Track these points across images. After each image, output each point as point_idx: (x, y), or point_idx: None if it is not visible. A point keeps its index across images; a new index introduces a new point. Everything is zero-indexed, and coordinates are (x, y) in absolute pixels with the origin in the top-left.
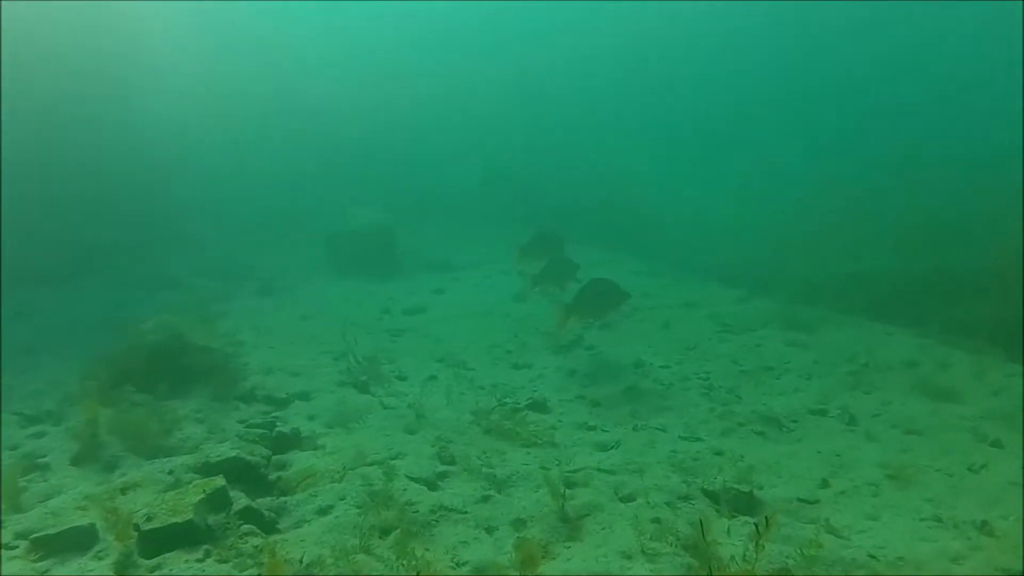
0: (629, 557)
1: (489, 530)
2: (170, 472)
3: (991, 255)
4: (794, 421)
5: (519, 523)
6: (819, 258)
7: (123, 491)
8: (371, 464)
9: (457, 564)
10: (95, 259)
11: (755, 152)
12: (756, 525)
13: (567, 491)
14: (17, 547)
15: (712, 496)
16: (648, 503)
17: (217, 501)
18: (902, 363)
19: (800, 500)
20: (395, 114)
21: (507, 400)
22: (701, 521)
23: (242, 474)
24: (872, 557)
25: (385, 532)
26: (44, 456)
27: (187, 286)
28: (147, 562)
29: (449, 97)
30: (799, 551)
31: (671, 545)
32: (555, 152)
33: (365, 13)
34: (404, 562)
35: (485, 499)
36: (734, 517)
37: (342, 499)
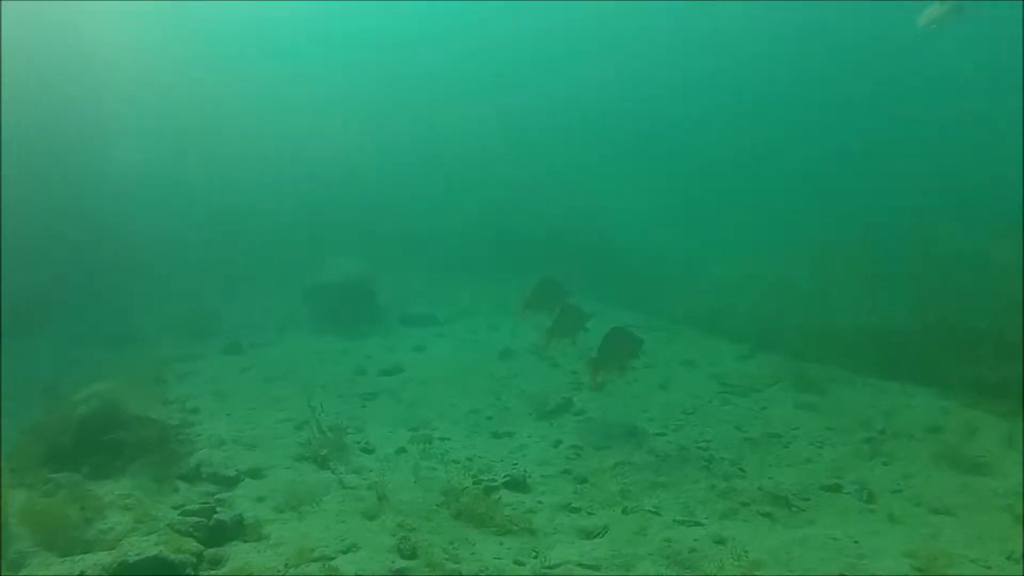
0: None
1: None
2: (80, 575)
3: (1017, 308)
4: (805, 499)
5: None
6: (827, 310)
7: None
8: (317, 559)
9: None
10: (52, 311)
11: (754, 194)
12: None
13: None
14: None
15: None
16: None
17: None
18: (923, 429)
19: None
20: (380, 157)
21: (482, 477)
22: None
23: None
24: None
25: None
26: None
27: (151, 342)
28: None
29: (438, 139)
30: None
31: None
32: (545, 196)
33: (346, 55)
34: None
35: None
36: None
37: None
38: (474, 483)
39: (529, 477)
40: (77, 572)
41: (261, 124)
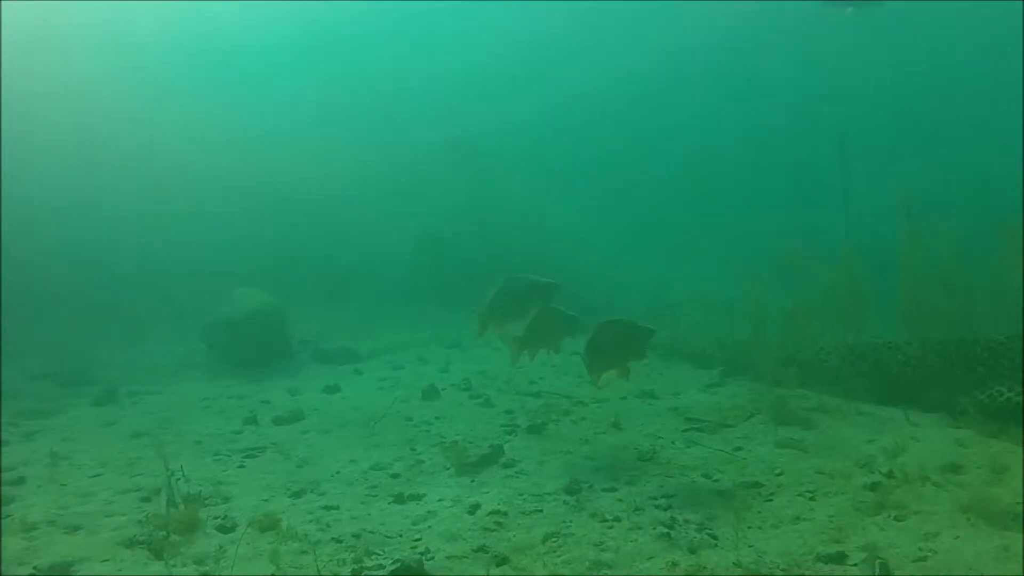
0: None
1: None
2: None
3: None
4: None
5: None
6: (809, 329)
7: None
8: None
9: None
10: None
11: (725, 211)
12: None
13: None
14: None
15: None
16: None
17: None
18: (939, 468)
19: None
20: (316, 186)
21: (366, 563)
22: None
23: None
24: None
25: None
26: None
27: (12, 395)
28: None
29: (372, 165)
30: None
31: None
32: (494, 219)
33: (282, 84)
34: None
35: None
36: None
37: None
38: (352, 573)
39: (431, 559)
40: None
41: (189, 155)
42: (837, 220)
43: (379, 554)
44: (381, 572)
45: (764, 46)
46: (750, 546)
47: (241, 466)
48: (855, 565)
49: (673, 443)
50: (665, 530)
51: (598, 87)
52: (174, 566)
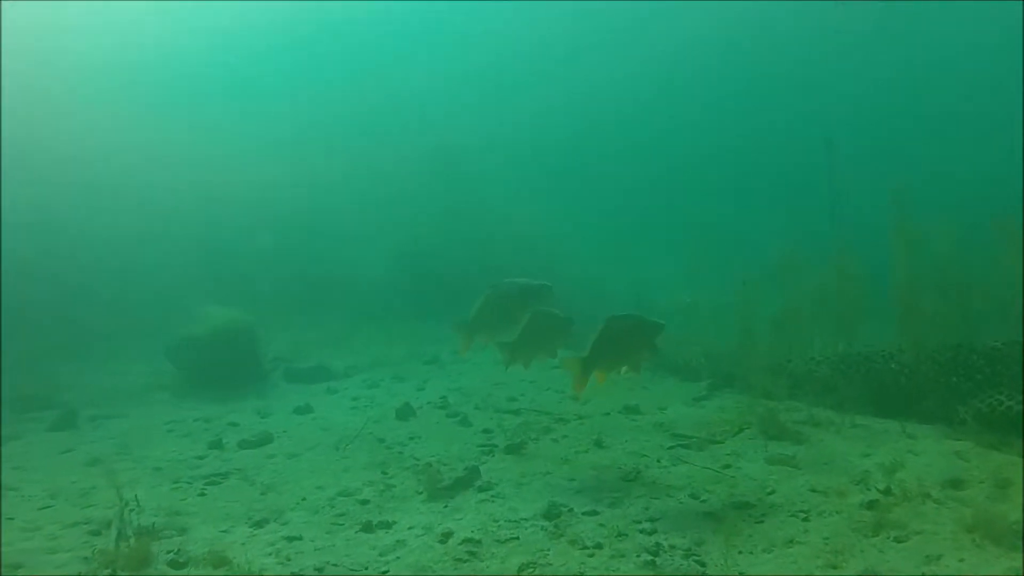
0: None
1: None
2: None
3: None
4: None
5: None
6: (799, 338)
7: None
8: None
9: None
10: None
11: (710, 217)
12: None
13: None
14: None
15: None
16: None
17: None
18: (939, 484)
19: None
20: (293, 201)
21: None
22: None
23: None
24: None
25: None
26: None
27: None
28: None
29: (352, 177)
30: None
31: None
32: (476, 229)
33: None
34: None
35: None
36: None
37: None
38: None
39: None
40: None
41: (159, 169)
42: (828, 222)
43: None
44: None
45: (755, 48)
46: (740, 573)
47: (202, 494)
48: None
49: (658, 461)
50: (650, 557)
51: (586, 93)
52: None
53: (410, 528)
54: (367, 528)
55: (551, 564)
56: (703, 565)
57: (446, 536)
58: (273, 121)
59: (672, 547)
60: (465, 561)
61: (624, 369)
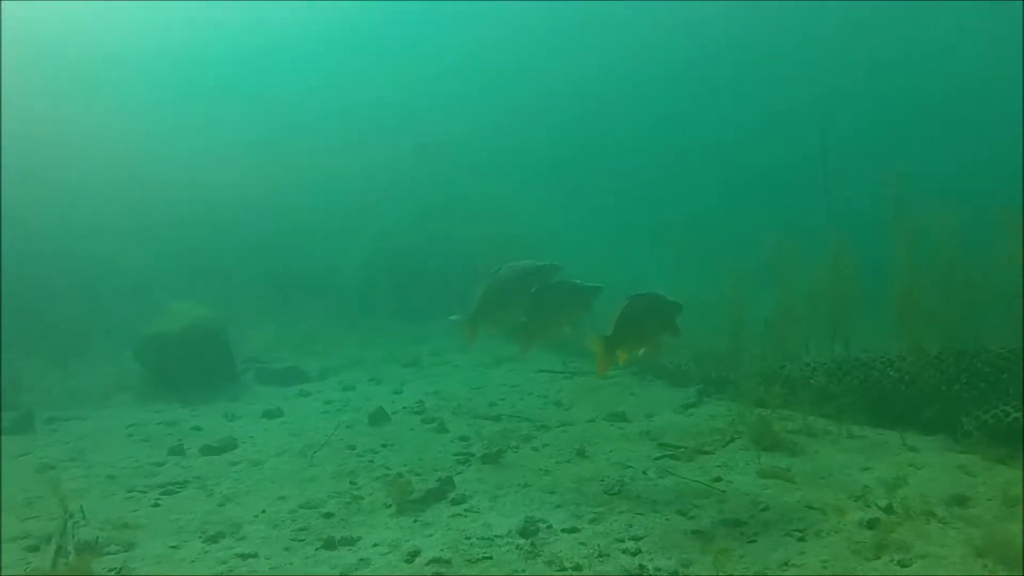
0: None
1: None
2: None
3: None
4: None
5: None
6: (792, 342)
7: None
8: None
9: None
10: None
11: (698, 215)
12: None
13: None
14: None
15: None
16: None
17: None
18: (944, 500)
19: None
20: (267, 199)
21: None
22: None
23: None
24: None
25: None
26: None
27: None
28: None
29: (331, 175)
30: None
31: None
32: (460, 226)
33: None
34: None
35: None
36: None
37: None
38: None
39: None
40: None
41: (129, 163)
42: (824, 217)
43: None
44: None
45: (748, 39)
46: None
47: (156, 504)
48: None
49: (644, 473)
50: None
51: (574, 86)
52: None
53: (375, 545)
54: (329, 545)
55: None
56: None
57: (413, 555)
58: (253, 119)
59: (657, 569)
60: None
61: (643, 350)
